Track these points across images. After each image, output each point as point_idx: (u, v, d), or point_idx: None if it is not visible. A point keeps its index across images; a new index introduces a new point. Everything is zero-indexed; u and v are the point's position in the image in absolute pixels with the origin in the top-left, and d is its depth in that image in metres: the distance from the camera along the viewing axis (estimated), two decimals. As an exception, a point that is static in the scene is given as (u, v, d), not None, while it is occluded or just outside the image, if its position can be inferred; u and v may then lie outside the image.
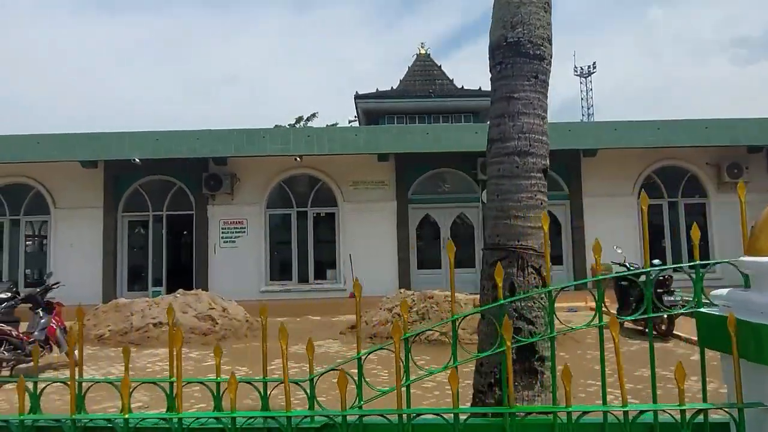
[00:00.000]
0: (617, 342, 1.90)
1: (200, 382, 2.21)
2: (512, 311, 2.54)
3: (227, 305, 11.04)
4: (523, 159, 2.82)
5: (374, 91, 22.03)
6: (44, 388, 2.02)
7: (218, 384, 1.99)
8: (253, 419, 1.96)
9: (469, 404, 2.82)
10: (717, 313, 1.97)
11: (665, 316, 9.06)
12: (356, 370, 1.98)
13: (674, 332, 9.24)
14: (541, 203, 2.84)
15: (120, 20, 72.84)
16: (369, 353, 2.06)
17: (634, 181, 15.10)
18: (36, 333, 7.64)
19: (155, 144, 13.69)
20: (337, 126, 28.81)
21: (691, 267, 2.05)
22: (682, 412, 1.89)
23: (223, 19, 74.82)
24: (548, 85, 2.93)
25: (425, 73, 24.30)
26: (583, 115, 63.70)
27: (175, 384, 1.96)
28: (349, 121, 30.22)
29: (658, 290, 9.04)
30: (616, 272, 8.80)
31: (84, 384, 2.06)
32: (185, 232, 15.80)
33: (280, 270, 15.20)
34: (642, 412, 1.98)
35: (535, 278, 2.65)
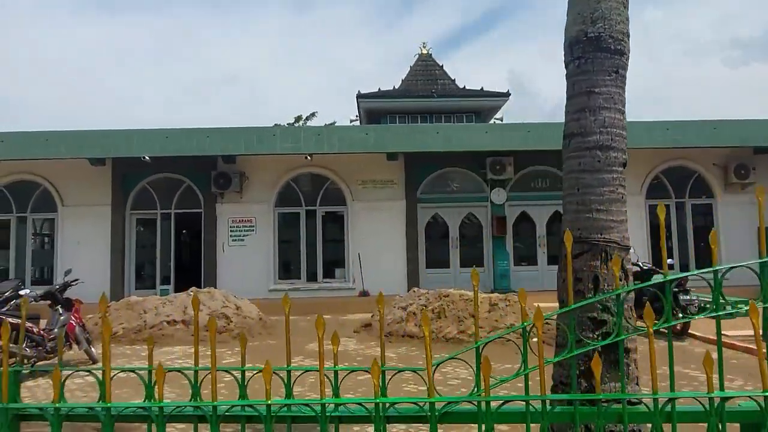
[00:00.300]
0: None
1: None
2: (597, 303, 2.56)
3: (240, 303, 11.03)
4: (605, 153, 2.84)
5: (376, 90, 22.07)
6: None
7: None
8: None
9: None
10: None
11: (680, 314, 9.11)
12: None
13: (689, 331, 9.31)
14: (622, 197, 2.86)
15: (120, 20, 72.52)
16: (487, 342, 2.08)
17: (641, 181, 15.19)
18: (56, 330, 7.63)
19: (165, 141, 13.66)
20: (337, 125, 28.79)
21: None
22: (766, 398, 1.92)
23: (222, 19, 74.64)
24: (626, 79, 2.95)
25: (427, 73, 24.35)
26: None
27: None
28: (351, 121, 30.24)
29: (674, 289, 9.10)
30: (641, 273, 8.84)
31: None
32: (193, 231, 15.76)
33: (288, 269, 15.19)
34: (728, 398, 2.00)
35: (618, 271, 2.66)
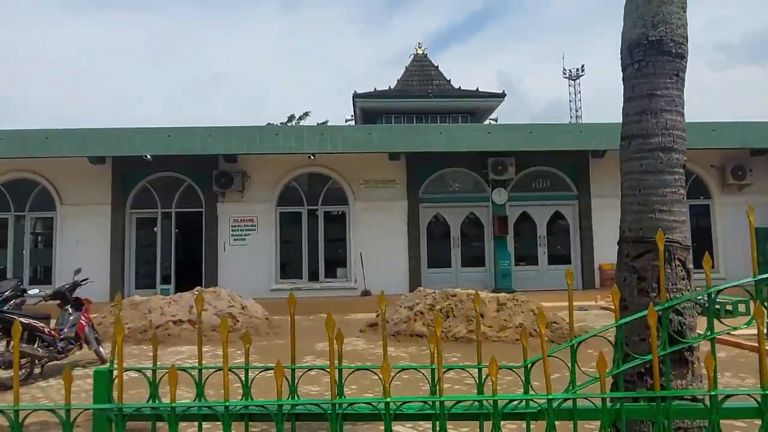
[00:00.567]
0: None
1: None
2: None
3: (246, 303, 10.99)
4: (667, 155, 2.89)
5: (372, 90, 22.13)
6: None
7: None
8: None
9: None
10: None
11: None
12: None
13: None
14: (683, 198, 2.92)
15: (120, 20, 71.97)
16: (580, 341, 2.12)
17: (640, 183, 15.32)
18: (66, 330, 7.55)
19: (167, 140, 13.57)
20: (340, 125, 28.77)
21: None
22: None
23: (217, 20, 74.34)
24: (685, 82, 3.00)
25: (422, 73, 24.45)
26: (571, 117, 64.32)
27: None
28: (346, 120, 30.21)
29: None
30: None
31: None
32: (194, 230, 15.66)
33: (290, 268, 15.16)
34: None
35: (681, 271, 2.72)
